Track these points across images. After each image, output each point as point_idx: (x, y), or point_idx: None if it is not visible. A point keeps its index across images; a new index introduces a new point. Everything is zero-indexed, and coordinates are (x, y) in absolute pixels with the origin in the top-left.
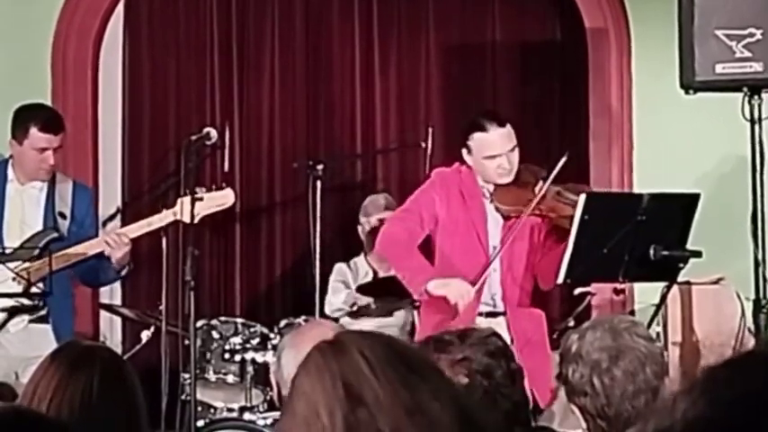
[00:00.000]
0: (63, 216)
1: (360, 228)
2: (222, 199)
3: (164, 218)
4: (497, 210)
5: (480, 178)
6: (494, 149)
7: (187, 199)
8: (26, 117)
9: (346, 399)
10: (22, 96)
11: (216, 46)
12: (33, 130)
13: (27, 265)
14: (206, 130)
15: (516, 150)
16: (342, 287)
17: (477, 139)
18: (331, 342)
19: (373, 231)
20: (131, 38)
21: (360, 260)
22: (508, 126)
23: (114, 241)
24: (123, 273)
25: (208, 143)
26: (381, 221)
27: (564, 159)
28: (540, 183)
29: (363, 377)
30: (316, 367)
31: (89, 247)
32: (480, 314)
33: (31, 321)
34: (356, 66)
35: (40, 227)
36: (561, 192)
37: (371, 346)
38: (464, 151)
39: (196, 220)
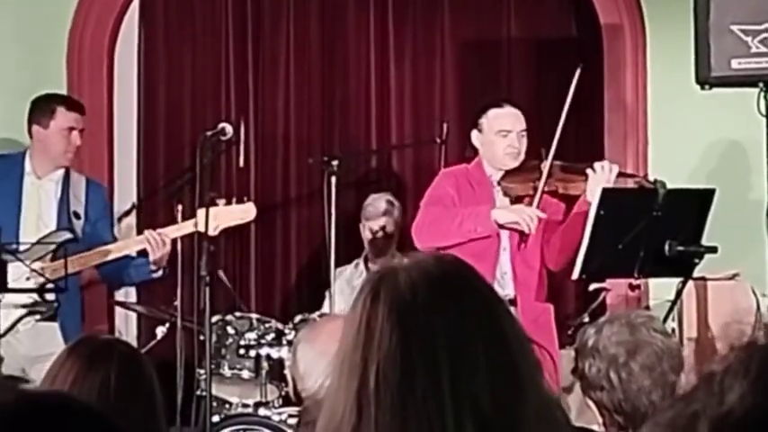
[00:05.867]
0: (77, 216)
1: (361, 228)
2: (243, 213)
3: (182, 228)
4: (506, 194)
5: (487, 164)
6: (507, 125)
7: (210, 210)
8: (49, 100)
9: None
10: (37, 90)
11: (231, 41)
12: (61, 109)
13: (45, 265)
14: (221, 125)
15: (525, 137)
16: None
17: (491, 114)
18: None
19: (373, 239)
20: (147, 32)
21: (359, 261)
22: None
23: (155, 240)
24: (158, 274)
25: (223, 139)
26: (381, 228)
27: (560, 128)
28: (545, 161)
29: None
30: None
31: (123, 248)
32: None
33: (39, 319)
34: (371, 61)
35: (54, 224)
36: (566, 166)
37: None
38: (474, 133)
39: (216, 232)
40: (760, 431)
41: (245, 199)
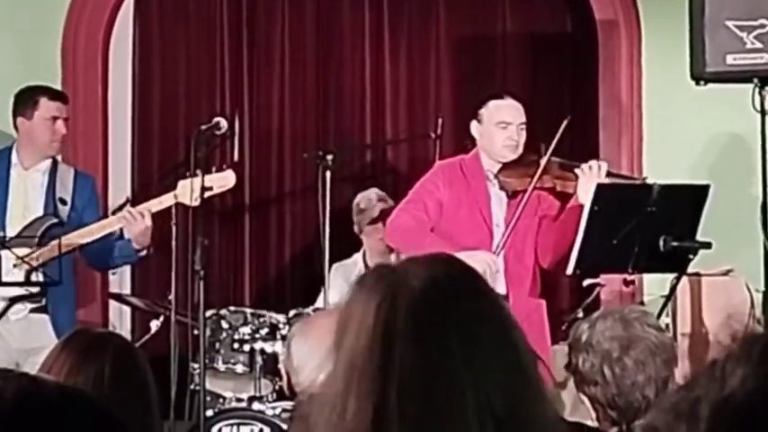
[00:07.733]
0: (63, 202)
1: (355, 228)
2: (222, 180)
3: (165, 200)
4: (502, 187)
5: (485, 157)
6: (507, 116)
7: (188, 181)
8: (32, 92)
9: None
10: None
11: (226, 35)
12: (43, 100)
13: (30, 250)
14: (216, 119)
15: (524, 130)
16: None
17: (491, 106)
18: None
19: (376, 220)
20: (141, 27)
21: (358, 258)
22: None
23: (133, 214)
24: (143, 253)
25: (218, 133)
26: (380, 215)
27: (564, 125)
28: (543, 157)
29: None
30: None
31: (106, 226)
32: None
33: (32, 311)
34: (366, 56)
35: (41, 213)
36: (564, 163)
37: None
38: (473, 124)
39: (197, 203)
40: (761, 414)
41: (224, 167)
